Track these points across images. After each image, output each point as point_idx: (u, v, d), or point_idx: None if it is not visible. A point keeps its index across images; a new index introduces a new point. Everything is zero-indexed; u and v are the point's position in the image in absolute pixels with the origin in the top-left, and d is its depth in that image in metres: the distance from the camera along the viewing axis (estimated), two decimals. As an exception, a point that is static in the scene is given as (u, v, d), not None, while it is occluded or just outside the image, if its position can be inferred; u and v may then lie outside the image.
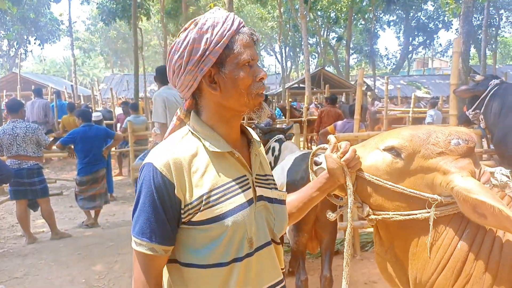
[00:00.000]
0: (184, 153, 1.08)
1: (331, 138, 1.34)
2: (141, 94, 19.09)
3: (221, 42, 1.06)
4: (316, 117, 10.42)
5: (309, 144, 11.71)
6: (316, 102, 15.36)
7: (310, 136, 11.51)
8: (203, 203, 1.05)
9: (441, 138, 1.19)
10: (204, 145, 1.11)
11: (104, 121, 9.23)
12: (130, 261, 4.26)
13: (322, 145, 1.40)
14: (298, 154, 3.05)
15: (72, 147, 5.88)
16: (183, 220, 1.07)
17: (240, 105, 1.11)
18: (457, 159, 1.17)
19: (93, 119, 6.96)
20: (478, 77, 4.34)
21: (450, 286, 1.14)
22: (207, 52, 1.06)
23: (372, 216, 1.29)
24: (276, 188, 1.25)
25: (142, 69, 24.05)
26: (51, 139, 6.10)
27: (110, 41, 48.31)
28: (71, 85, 22.31)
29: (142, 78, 22.33)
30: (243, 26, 1.11)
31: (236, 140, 1.18)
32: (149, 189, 1.04)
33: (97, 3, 21.95)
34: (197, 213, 1.06)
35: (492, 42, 28.11)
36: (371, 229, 4.61)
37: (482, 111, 4.11)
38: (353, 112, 5.79)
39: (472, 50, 26.08)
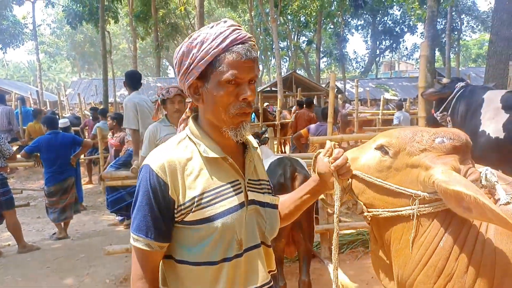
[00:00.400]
0: (179, 157, 1.15)
1: (328, 142, 1.37)
2: (110, 99, 18.66)
3: (205, 59, 1.12)
4: (289, 120, 10.52)
5: (283, 148, 11.76)
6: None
7: (283, 140, 11.56)
8: (195, 204, 1.12)
9: (425, 137, 1.24)
10: (199, 150, 1.17)
11: (72, 128, 8.94)
12: (103, 273, 4.16)
13: (321, 150, 1.43)
14: (273, 159, 3.04)
15: (39, 155, 5.66)
16: (176, 219, 1.14)
17: (218, 121, 1.17)
18: (440, 155, 1.20)
19: (60, 126, 6.72)
20: (445, 80, 4.48)
21: (431, 284, 1.16)
22: (191, 67, 1.14)
23: (366, 213, 1.34)
24: (269, 193, 1.31)
25: (111, 73, 23.52)
26: (16, 147, 5.84)
27: (76, 45, 47.07)
28: (37, 91, 21.50)
29: (111, 82, 21.90)
30: (241, 43, 1.13)
31: (231, 146, 1.23)
32: (146, 189, 1.12)
33: (63, 6, 21.30)
34: (189, 213, 1.12)
35: (455, 45, 29.28)
36: (346, 231, 4.69)
37: (449, 113, 4.24)
38: (325, 115, 5.86)
39: (437, 53, 27.05)
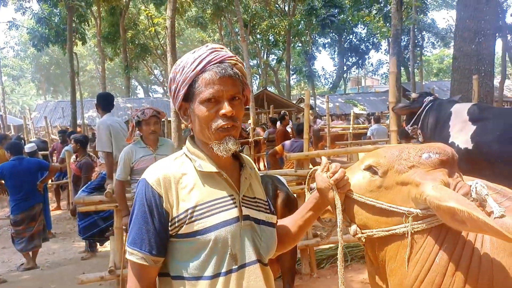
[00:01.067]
0: (174, 171, 1.20)
1: (323, 159, 1.40)
2: (78, 121, 18.15)
3: (185, 82, 1.21)
4: (262, 137, 10.59)
5: (257, 165, 11.77)
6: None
7: (257, 157, 11.57)
8: (189, 216, 1.15)
9: (412, 153, 1.26)
10: (194, 165, 1.22)
11: (40, 152, 8.60)
12: (77, 304, 3.93)
13: (317, 167, 1.44)
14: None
15: (3, 182, 5.40)
16: (171, 232, 1.16)
17: (204, 137, 1.22)
18: (429, 171, 1.21)
19: (26, 150, 6.47)
20: (414, 95, 4.64)
21: None
22: (177, 91, 1.24)
23: (359, 235, 1.32)
24: (266, 212, 1.32)
25: (79, 94, 22.96)
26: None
27: (42, 67, 45.94)
28: (0, 115, 20.69)
29: (79, 104, 21.35)
30: (219, 63, 1.19)
31: (226, 163, 1.26)
32: (141, 202, 1.16)
33: (28, 29, 20.78)
34: (183, 226, 1.15)
35: (418, 60, 30.54)
36: (326, 246, 4.69)
37: (419, 126, 4.37)
38: (300, 131, 5.95)
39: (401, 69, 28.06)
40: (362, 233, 1.32)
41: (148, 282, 1.17)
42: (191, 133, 1.32)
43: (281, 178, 3.15)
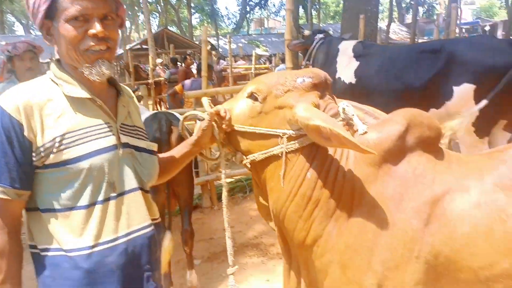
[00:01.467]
0: (37, 97, 1.09)
1: (204, 100, 1.45)
2: None
3: None
4: (162, 78, 10.22)
5: (158, 107, 11.42)
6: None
7: (159, 99, 11.21)
8: (57, 145, 1.07)
9: (288, 79, 1.33)
10: (62, 91, 1.12)
11: None
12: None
13: (193, 112, 1.50)
14: (147, 115, 2.94)
15: None
16: (36, 163, 1.08)
17: (72, 60, 1.12)
18: (302, 94, 1.30)
19: None
20: (307, 32, 4.84)
21: (301, 211, 1.28)
22: (36, 6, 1.09)
23: (244, 161, 1.40)
24: (145, 139, 1.31)
25: None
26: None
27: None
28: None
29: None
30: None
31: (100, 89, 1.19)
32: None
33: None
34: (50, 155, 1.07)
35: (316, 3, 31.29)
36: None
37: (311, 62, 4.62)
38: (199, 70, 5.86)
39: (300, 11, 28.62)
40: (247, 158, 1.40)
41: (12, 219, 1.08)
42: (56, 57, 1.20)
43: (177, 115, 3.11)
